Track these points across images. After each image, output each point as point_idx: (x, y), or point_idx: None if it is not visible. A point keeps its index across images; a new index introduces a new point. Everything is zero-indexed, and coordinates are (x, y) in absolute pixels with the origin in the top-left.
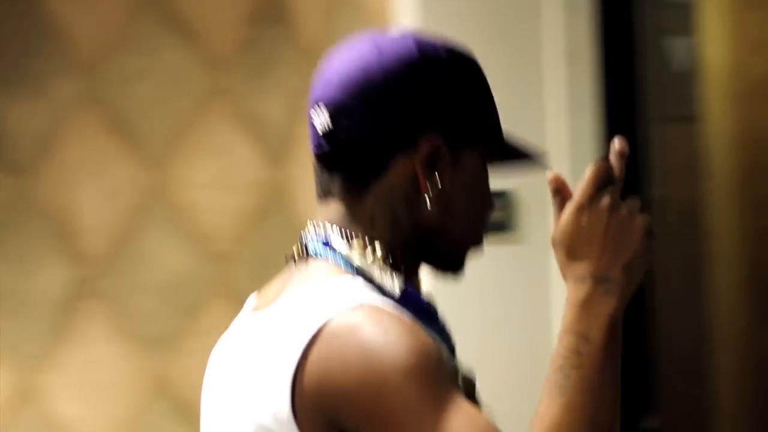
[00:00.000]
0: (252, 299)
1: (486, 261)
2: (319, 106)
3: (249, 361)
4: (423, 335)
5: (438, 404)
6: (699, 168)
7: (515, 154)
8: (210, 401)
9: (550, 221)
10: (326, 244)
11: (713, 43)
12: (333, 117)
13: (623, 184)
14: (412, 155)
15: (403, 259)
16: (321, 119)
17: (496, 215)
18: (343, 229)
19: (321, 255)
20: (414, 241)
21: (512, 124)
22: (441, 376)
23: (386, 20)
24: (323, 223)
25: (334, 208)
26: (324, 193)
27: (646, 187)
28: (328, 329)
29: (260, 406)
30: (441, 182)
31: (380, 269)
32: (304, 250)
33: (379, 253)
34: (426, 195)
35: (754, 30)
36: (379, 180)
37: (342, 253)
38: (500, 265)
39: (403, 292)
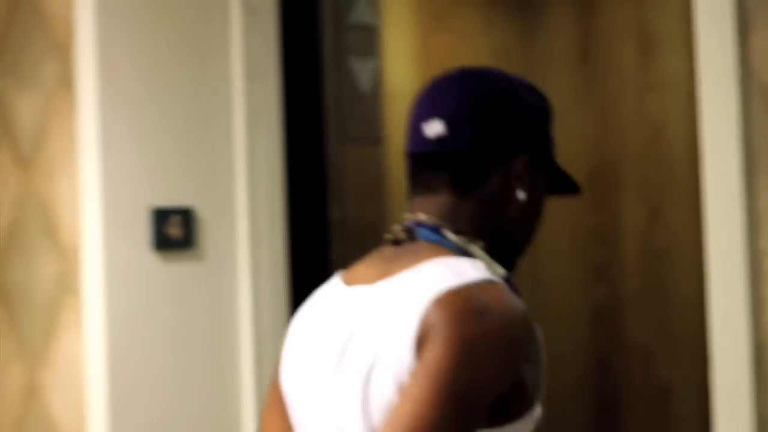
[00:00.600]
0: (339, 277)
1: (167, 278)
2: (432, 117)
3: (378, 329)
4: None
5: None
6: (383, 189)
7: (568, 184)
8: (316, 369)
9: (232, 238)
10: (435, 231)
11: (398, 65)
12: (450, 126)
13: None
14: (507, 169)
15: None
16: (434, 128)
17: (175, 232)
18: (447, 222)
19: (431, 240)
20: (494, 241)
21: (201, 140)
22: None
23: (70, 28)
24: (425, 215)
25: (437, 202)
26: (423, 189)
27: (329, 207)
28: (462, 294)
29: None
30: (524, 195)
31: (488, 259)
32: (408, 235)
33: (481, 245)
34: (513, 204)
35: (439, 53)
36: (481, 185)
37: (453, 240)
38: (182, 282)
39: (507, 280)
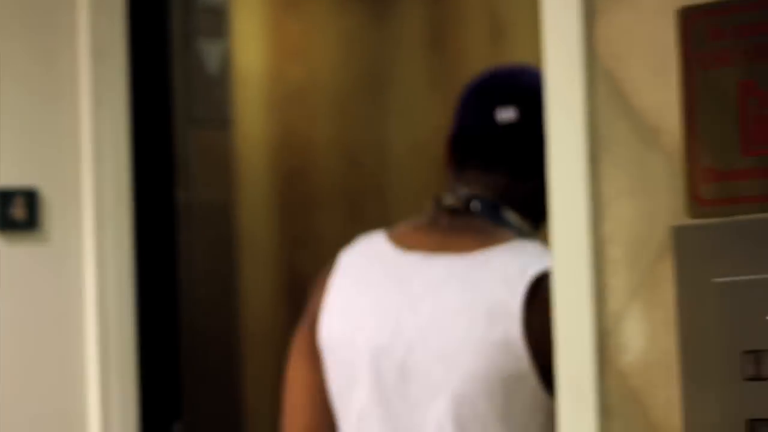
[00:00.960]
0: (386, 240)
1: (11, 261)
2: (506, 104)
3: (465, 296)
4: None
5: None
6: (231, 172)
7: None
8: (379, 327)
9: (77, 220)
10: (495, 209)
11: (247, 48)
12: (522, 114)
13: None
14: None
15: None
16: (508, 114)
17: (19, 213)
18: (503, 201)
19: (489, 218)
20: (537, 226)
21: (46, 120)
22: None
23: None
24: (480, 189)
25: (494, 180)
26: (477, 166)
27: (176, 190)
28: (546, 279)
29: (488, 328)
30: None
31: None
32: (465, 207)
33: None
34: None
35: (290, 36)
36: (539, 173)
37: (514, 222)
38: (26, 264)
39: None
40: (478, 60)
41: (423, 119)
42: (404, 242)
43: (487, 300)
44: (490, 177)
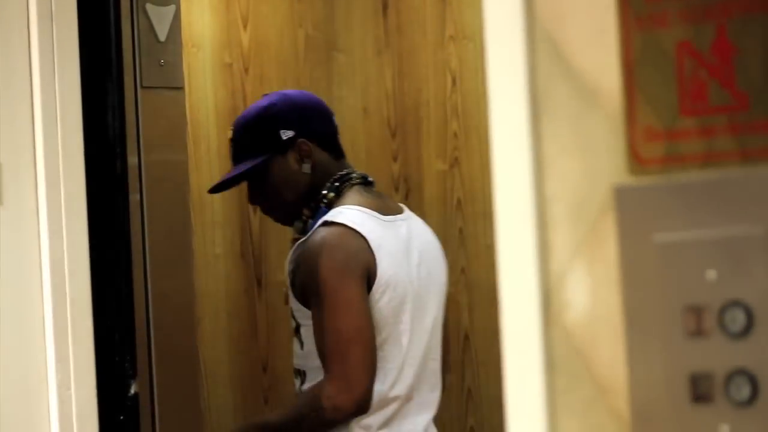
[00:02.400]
0: (369, 210)
1: None
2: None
3: (435, 242)
4: None
5: None
6: (183, 135)
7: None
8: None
9: (30, 182)
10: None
11: (196, 13)
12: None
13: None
14: None
15: None
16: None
17: None
18: None
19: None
20: None
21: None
22: None
23: None
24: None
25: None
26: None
27: (128, 153)
28: None
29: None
30: None
31: None
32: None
33: None
34: None
35: (240, 2)
36: None
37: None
38: None
39: None
40: (426, 25)
41: (373, 83)
42: (379, 209)
43: (439, 247)
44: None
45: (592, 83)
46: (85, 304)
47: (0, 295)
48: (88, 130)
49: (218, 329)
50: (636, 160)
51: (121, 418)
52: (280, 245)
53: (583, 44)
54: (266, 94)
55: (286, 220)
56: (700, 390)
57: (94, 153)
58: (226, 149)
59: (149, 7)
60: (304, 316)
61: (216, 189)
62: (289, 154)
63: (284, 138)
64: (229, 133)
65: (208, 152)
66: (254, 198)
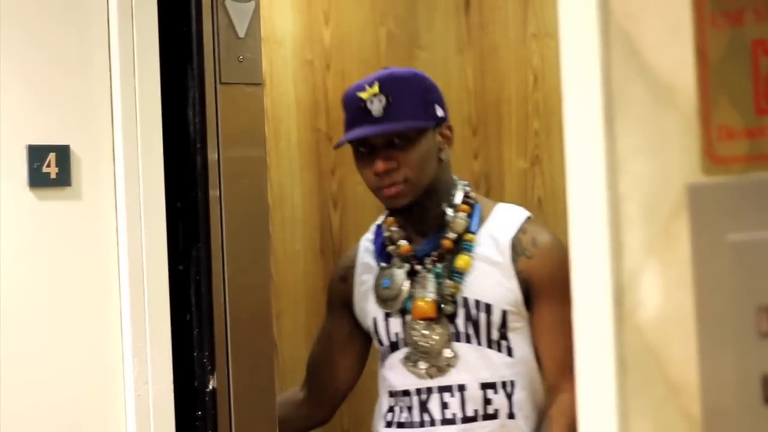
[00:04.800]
0: None
1: (43, 217)
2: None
3: None
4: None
5: None
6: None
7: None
8: None
9: (108, 176)
10: None
11: (277, 10)
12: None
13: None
14: None
15: None
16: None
17: (51, 170)
18: None
19: None
20: None
21: (77, 77)
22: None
23: None
24: None
25: None
26: None
27: (207, 148)
28: None
29: None
30: None
31: None
32: None
33: None
34: None
35: (322, 1)
36: None
37: None
38: (58, 220)
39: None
40: (508, 22)
41: (454, 80)
42: None
43: None
44: None
45: (666, 81)
46: (163, 299)
47: (78, 289)
48: (168, 125)
49: (297, 325)
50: (710, 159)
51: (199, 413)
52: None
53: (659, 41)
54: (386, 68)
55: (411, 197)
56: None
57: (174, 148)
58: (307, 146)
59: (229, 3)
60: (520, 319)
61: (352, 141)
62: (436, 133)
63: (438, 114)
64: (375, 88)
65: (289, 148)
66: (393, 159)
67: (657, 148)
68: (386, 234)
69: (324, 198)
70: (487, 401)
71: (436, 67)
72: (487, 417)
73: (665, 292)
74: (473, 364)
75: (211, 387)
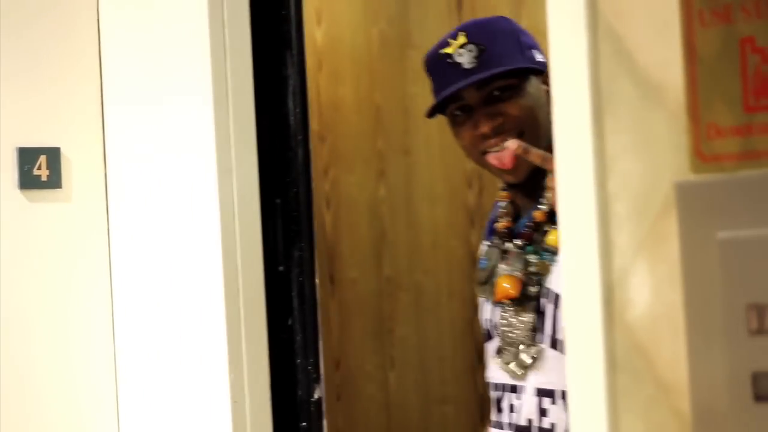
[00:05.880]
0: None
1: (33, 218)
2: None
3: None
4: None
5: None
6: None
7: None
8: None
9: (99, 178)
10: None
11: None
12: None
13: None
14: None
15: None
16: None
17: (41, 172)
18: None
19: None
20: None
21: (68, 81)
22: None
23: None
24: None
25: None
26: None
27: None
28: None
29: None
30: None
31: None
32: None
33: None
34: None
35: (314, 0)
36: None
37: None
38: (48, 222)
39: None
40: None
41: None
42: None
43: None
44: None
45: (655, 79)
46: (258, 301)
47: (67, 290)
48: (265, 116)
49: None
50: (699, 157)
51: (304, 424)
52: (353, 242)
53: (647, 40)
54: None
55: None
56: (762, 389)
57: (271, 141)
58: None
59: None
60: None
61: (445, 103)
62: (540, 82)
63: (538, 59)
64: (461, 39)
65: None
66: (498, 115)
67: (646, 147)
68: (499, 211)
69: (317, 198)
70: (542, 412)
71: None
72: (542, 431)
73: (655, 290)
74: (549, 367)
75: (316, 396)
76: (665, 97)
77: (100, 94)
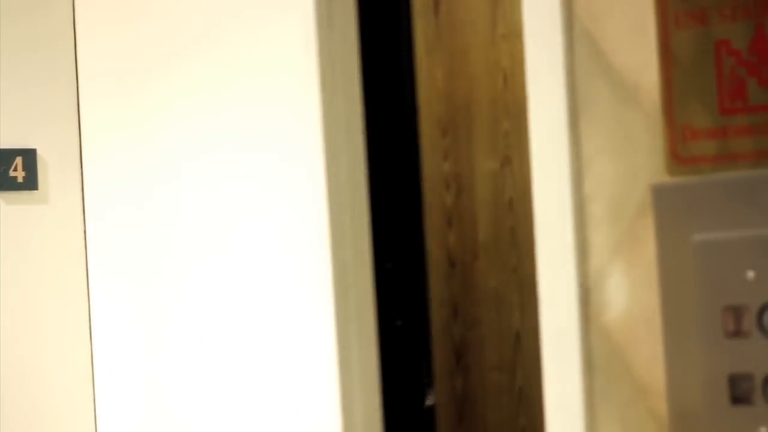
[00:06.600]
0: None
1: (9, 220)
2: None
3: None
4: None
5: None
6: None
7: None
8: None
9: (75, 179)
10: None
11: None
12: None
13: None
14: None
15: None
16: None
17: (17, 173)
18: None
19: None
20: None
21: (44, 82)
22: None
23: None
24: None
25: None
26: None
27: None
28: None
29: None
30: None
31: None
32: None
33: None
34: None
35: None
36: None
37: None
38: (24, 224)
39: None
40: (475, 23)
41: (424, 81)
42: None
43: None
44: None
45: (630, 81)
46: (367, 300)
47: (43, 292)
48: (375, 101)
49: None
50: (674, 159)
51: None
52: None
53: (623, 42)
54: None
55: None
56: (738, 391)
57: (381, 129)
58: None
59: None
60: None
61: None
62: None
63: None
64: None
65: None
66: None
67: (622, 149)
68: None
69: (437, 182)
70: None
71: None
72: None
73: (631, 292)
74: None
75: (429, 403)
76: (641, 99)
77: (76, 96)
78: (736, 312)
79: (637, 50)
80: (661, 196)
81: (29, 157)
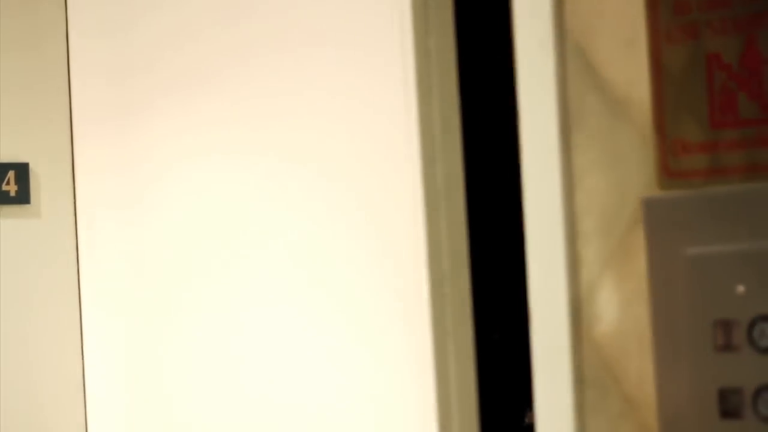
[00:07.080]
0: None
1: (3, 235)
2: None
3: None
4: None
5: None
6: None
7: None
8: None
9: (68, 193)
10: None
11: None
12: None
13: None
14: None
15: None
16: None
17: (10, 187)
18: None
19: None
20: None
21: (37, 95)
22: None
23: None
24: None
25: None
26: None
27: None
28: None
29: None
30: None
31: None
32: None
33: None
34: None
35: None
36: None
37: None
38: (18, 238)
39: None
40: None
41: None
42: None
43: None
44: None
45: (622, 95)
46: (465, 310)
47: (38, 305)
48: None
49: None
50: (665, 174)
51: None
52: None
53: (614, 56)
54: None
55: None
56: (728, 406)
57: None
58: None
59: None
60: None
61: None
62: None
63: None
64: None
65: None
66: None
67: (613, 163)
68: None
69: None
70: None
71: None
72: None
73: (622, 306)
74: None
75: (527, 422)
76: (632, 113)
77: (68, 110)
78: (727, 326)
79: (628, 64)
80: (651, 210)
81: (22, 171)
